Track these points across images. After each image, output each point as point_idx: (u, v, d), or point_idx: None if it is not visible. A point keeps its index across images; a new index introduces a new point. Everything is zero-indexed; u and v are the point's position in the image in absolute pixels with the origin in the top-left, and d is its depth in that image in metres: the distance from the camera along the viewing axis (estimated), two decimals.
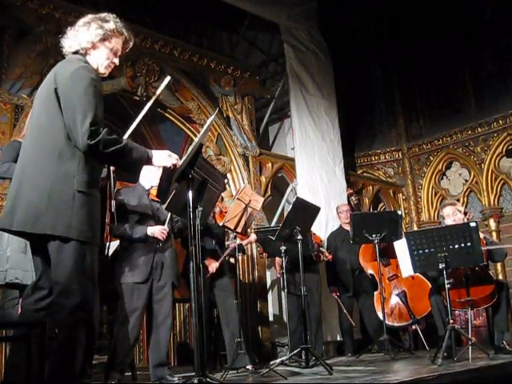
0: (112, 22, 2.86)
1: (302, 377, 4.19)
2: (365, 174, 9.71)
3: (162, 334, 4.31)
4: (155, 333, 4.31)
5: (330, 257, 6.33)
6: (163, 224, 4.34)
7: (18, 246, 3.33)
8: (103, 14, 2.89)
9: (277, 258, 6.32)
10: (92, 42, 2.80)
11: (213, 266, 5.07)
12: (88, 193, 2.67)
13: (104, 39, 2.83)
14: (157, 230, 4.27)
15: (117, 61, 2.94)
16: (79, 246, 2.61)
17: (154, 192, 4.35)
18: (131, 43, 3.02)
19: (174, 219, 4.47)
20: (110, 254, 4.72)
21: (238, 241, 5.22)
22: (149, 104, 3.56)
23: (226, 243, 5.38)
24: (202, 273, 4.82)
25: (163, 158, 2.86)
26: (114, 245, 4.76)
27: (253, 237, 5.43)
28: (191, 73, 7.45)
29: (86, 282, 2.62)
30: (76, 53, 2.81)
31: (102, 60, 2.85)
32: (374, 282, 6.09)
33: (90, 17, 2.86)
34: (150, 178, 4.39)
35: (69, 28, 2.85)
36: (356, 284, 6.52)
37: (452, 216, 5.23)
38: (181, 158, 3.10)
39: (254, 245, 6.86)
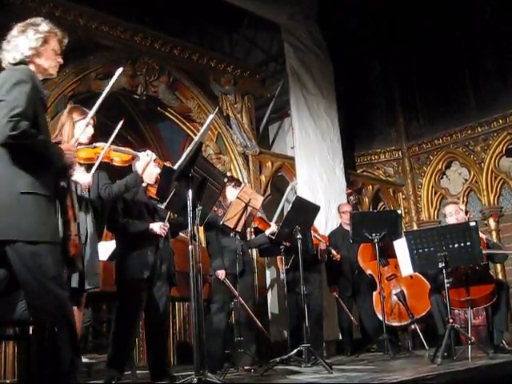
0: (44, 24, 2.89)
1: (302, 376, 4.19)
2: (365, 173, 9.71)
3: (161, 333, 4.30)
4: (153, 331, 4.30)
5: (339, 256, 6.31)
6: (162, 221, 4.34)
7: None
8: (33, 19, 2.90)
9: (278, 256, 6.32)
10: (35, 48, 2.81)
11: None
12: (35, 193, 2.66)
13: (44, 42, 2.85)
14: (157, 226, 4.26)
15: (61, 60, 2.96)
16: (33, 246, 2.61)
17: (152, 190, 4.36)
18: (66, 40, 2.99)
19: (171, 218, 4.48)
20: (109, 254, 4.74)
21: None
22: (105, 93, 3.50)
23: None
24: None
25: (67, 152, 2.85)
26: (111, 245, 4.75)
27: (274, 226, 5.43)
28: (191, 72, 7.45)
29: (51, 282, 2.63)
30: (20, 63, 2.80)
31: (48, 62, 2.88)
32: (372, 282, 6.09)
33: (21, 25, 2.87)
34: (146, 175, 4.39)
35: (3, 42, 2.85)
36: (355, 284, 6.52)
37: (454, 214, 5.22)
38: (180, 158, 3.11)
39: None
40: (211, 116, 3.60)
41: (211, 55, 7.69)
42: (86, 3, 6.57)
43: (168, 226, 4.30)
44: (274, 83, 8.64)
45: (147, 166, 4.07)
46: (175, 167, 3.31)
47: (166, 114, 7.47)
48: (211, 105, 7.37)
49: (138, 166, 4.00)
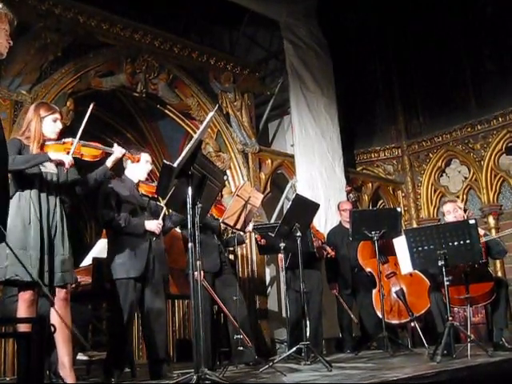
0: None
1: (301, 373, 4.19)
2: (364, 171, 9.71)
3: (158, 330, 4.29)
4: (151, 329, 4.28)
5: (333, 253, 6.33)
6: (156, 217, 4.34)
7: (17, 242, 3.33)
8: None
9: (279, 254, 6.31)
10: None
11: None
12: None
13: None
14: (154, 225, 4.26)
15: (11, 41, 2.85)
16: None
17: (144, 187, 4.38)
18: (15, 22, 2.91)
19: (167, 216, 4.48)
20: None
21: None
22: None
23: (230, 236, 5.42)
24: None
25: None
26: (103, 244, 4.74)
27: (250, 226, 5.40)
28: (191, 69, 7.44)
29: None
30: None
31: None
32: (372, 280, 6.10)
33: None
34: (136, 172, 4.42)
35: None
36: (355, 281, 6.52)
37: (453, 212, 5.24)
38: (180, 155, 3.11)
39: (253, 242, 6.86)
40: (211, 114, 3.60)
41: (211, 53, 7.68)
42: (86, 1, 6.56)
43: (162, 223, 4.30)
44: (274, 81, 8.64)
45: (118, 161, 3.93)
46: (175, 165, 3.31)
47: (166, 111, 7.46)
48: (211, 102, 7.36)
49: (108, 160, 3.85)
